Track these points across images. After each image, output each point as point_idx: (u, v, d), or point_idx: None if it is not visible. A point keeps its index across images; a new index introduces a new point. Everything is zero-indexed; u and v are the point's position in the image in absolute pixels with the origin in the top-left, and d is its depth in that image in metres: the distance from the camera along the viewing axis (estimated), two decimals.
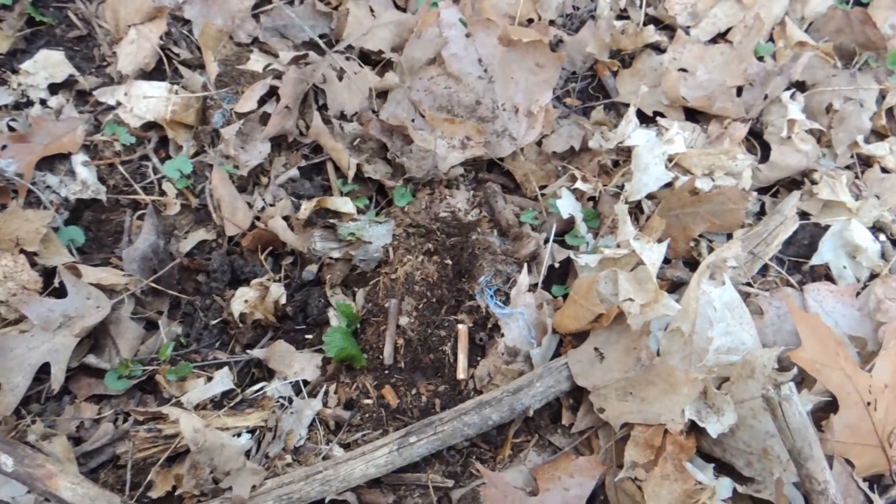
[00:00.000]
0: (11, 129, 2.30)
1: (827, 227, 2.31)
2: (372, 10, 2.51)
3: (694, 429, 1.87)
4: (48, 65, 2.43)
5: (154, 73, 2.47)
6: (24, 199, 2.19)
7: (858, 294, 2.15)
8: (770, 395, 1.65)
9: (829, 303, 2.12)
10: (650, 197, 2.26)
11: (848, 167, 2.50)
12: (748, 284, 2.17)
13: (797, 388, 1.79)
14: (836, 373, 1.84)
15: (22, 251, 2.06)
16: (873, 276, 2.26)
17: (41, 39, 2.52)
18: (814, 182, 2.39)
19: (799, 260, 2.33)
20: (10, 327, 2.02)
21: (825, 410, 1.86)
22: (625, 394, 1.89)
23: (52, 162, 2.29)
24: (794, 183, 2.46)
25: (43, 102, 2.39)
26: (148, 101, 2.37)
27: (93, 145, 2.35)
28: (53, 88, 2.42)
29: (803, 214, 2.34)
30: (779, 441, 1.75)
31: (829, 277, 2.29)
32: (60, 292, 2.04)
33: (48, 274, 2.09)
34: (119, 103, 2.39)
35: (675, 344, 1.95)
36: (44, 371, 1.98)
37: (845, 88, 2.53)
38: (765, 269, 2.25)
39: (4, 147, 2.21)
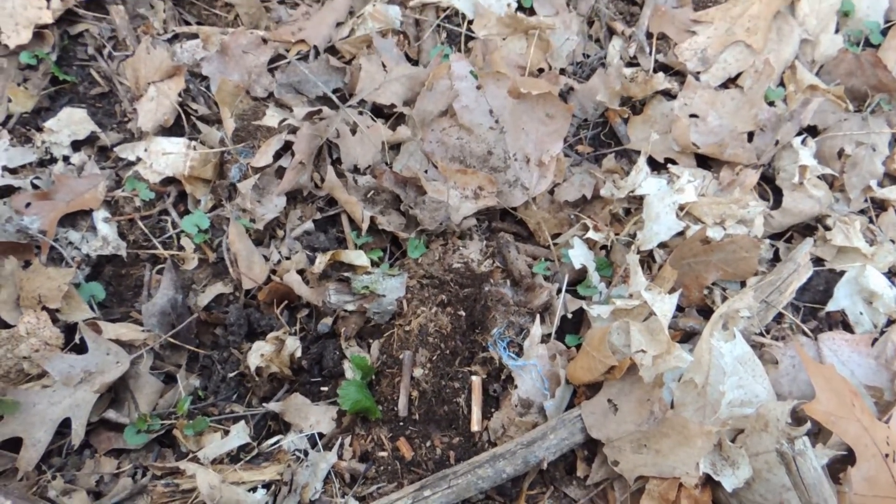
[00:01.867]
0: (35, 186, 2.36)
1: (842, 273, 2.30)
2: (384, 65, 2.55)
3: (709, 482, 1.86)
4: (71, 122, 2.49)
5: (173, 128, 2.52)
6: (47, 256, 2.24)
7: (875, 342, 2.13)
8: (784, 450, 1.65)
9: (845, 352, 2.11)
10: (662, 246, 2.26)
11: (862, 212, 2.49)
12: (761, 334, 2.16)
13: (813, 441, 1.78)
14: (852, 425, 1.83)
15: (44, 308, 2.10)
16: (891, 322, 2.24)
17: (64, 97, 2.58)
18: (827, 228, 2.38)
19: (815, 306, 2.32)
20: (32, 382, 2.06)
21: (843, 462, 1.84)
22: (639, 446, 1.88)
23: (75, 218, 2.34)
24: (807, 228, 2.45)
25: (66, 159, 2.45)
26: (167, 156, 2.42)
27: (114, 201, 2.40)
28: (76, 145, 2.48)
29: (817, 261, 2.33)
30: (796, 495, 1.74)
31: (845, 323, 2.28)
32: (81, 348, 2.08)
33: (69, 329, 2.13)
34: (139, 159, 2.45)
35: (688, 396, 1.94)
36: (65, 426, 2.01)
37: (857, 133, 2.53)
38: (780, 317, 2.23)
39: (29, 205, 2.27)
